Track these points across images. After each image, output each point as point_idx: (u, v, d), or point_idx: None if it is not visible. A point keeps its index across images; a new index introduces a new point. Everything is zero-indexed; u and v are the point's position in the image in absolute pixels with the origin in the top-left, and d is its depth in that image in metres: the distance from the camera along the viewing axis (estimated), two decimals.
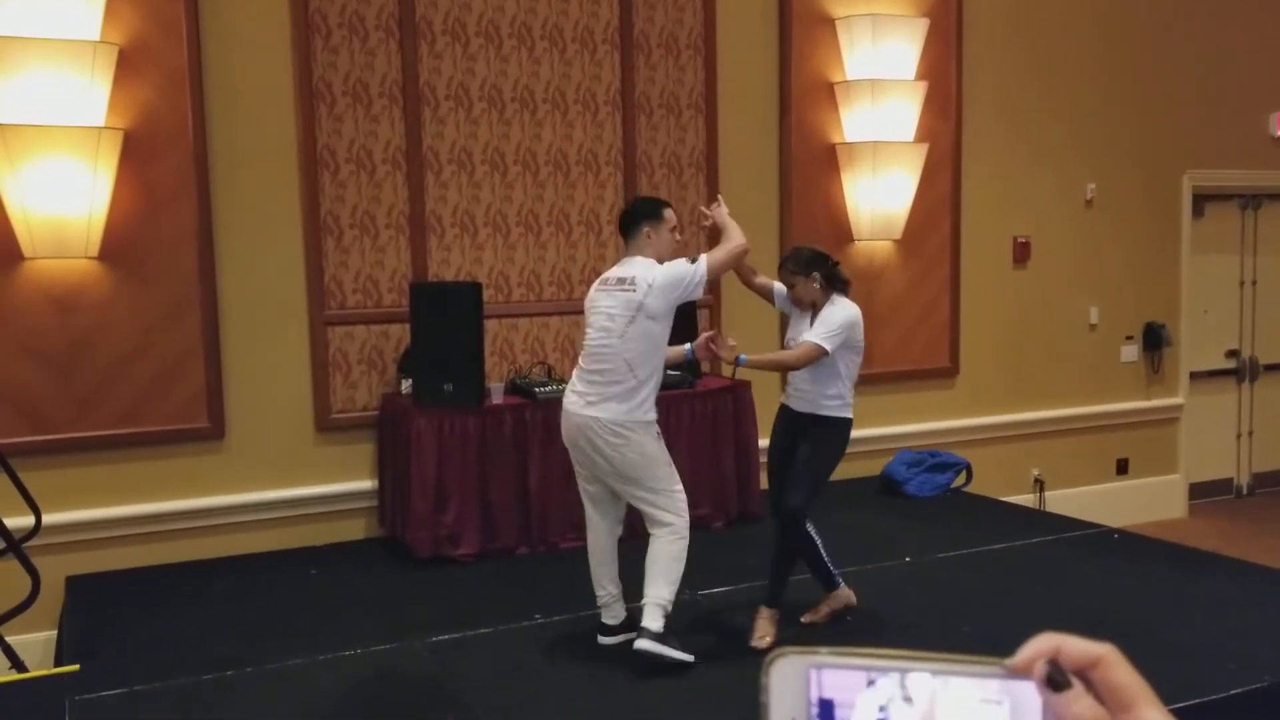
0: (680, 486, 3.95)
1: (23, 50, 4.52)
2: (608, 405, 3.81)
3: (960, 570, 4.93)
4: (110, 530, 4.90)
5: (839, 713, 0.56)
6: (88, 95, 4.64)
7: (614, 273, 3.94)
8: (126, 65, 4.80)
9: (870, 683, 0.56)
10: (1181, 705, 3.40)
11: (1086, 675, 0.55)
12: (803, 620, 4.21)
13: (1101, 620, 4.29)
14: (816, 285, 4.09)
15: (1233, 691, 3.60)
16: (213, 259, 5.02)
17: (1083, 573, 4.95)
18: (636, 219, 3.97)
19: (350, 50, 5.21)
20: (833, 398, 4.09)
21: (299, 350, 5.22)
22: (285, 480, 5.20)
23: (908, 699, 0.56)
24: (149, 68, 4.86)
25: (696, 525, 5.43)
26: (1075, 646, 0.56)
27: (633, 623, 3.92)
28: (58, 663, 4.32)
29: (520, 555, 5.12)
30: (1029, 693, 0.55)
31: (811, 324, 4.07)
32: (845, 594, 4.26)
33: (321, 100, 5.18)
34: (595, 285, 4.00)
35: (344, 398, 5.31)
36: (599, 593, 4.05)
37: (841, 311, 4.06)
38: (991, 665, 0.56)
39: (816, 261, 4.12)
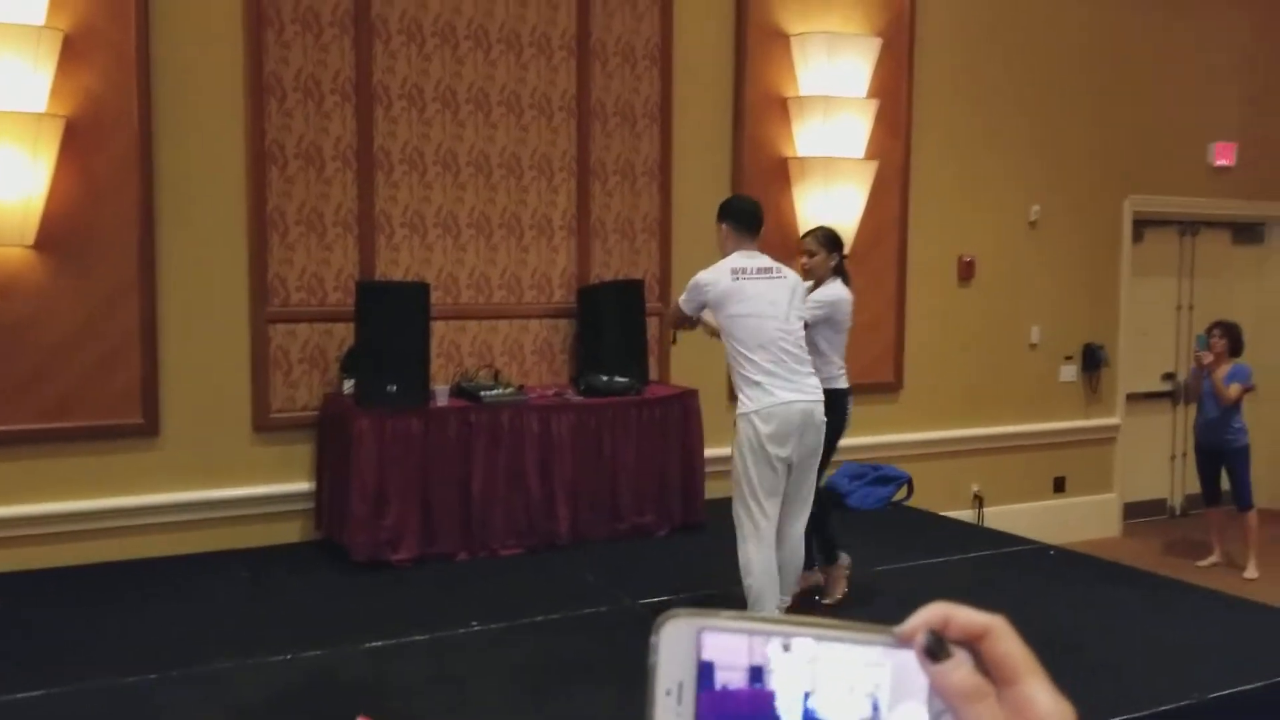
0: None
1: None
2: (815, 381, 4.10)
3: (898, 584, 4.96)
4: (36, 528, 4.77)
5: (718, 675, 0.55)
6: (29, 81, 4.53)
7: (751, 263, 4.10)
8: (72, 51, 4.69)
9: (752, 647, 0.56)
10: None
11: (975, 647, 0.55)
12: (824, 603, 4.53)
13: (1034, 637, 4.31)
14: (832, 265, 4.53)
15: (1163, 708, 3.66)
16: (153, 251, 4.92)
17: (1018, 589, 5.01)
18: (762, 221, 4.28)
19: (303, 45, 5.14)
20: (821, 373, 4.27)
21: (239, 347, 5.13)
22: (220, 480, 5.10)
23: (788, 661, 0.55)
24: (95, 54, 4.75)
25: (639, 533, 5.47)
26: (964, 616, 0.56)
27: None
28: None
29: (460, 561, 5.07)
30: (914, 660, 0.55)
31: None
32: (840, 568, 4.61)
33: (272, 94, 5.10)
34: (732, 278, 4.06)
35: (284, 396, 5.23)
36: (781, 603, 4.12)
37: (828, 291, 4.46)
38: (879, 633, 0.56)
39: (838, 245, 4.59)
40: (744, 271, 4.07)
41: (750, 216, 4.22)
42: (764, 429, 3.96)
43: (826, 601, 4.57)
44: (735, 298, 4.04)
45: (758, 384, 3.99)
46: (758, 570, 4.00)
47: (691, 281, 4.21)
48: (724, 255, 4.18)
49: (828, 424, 4.18)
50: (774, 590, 4.02)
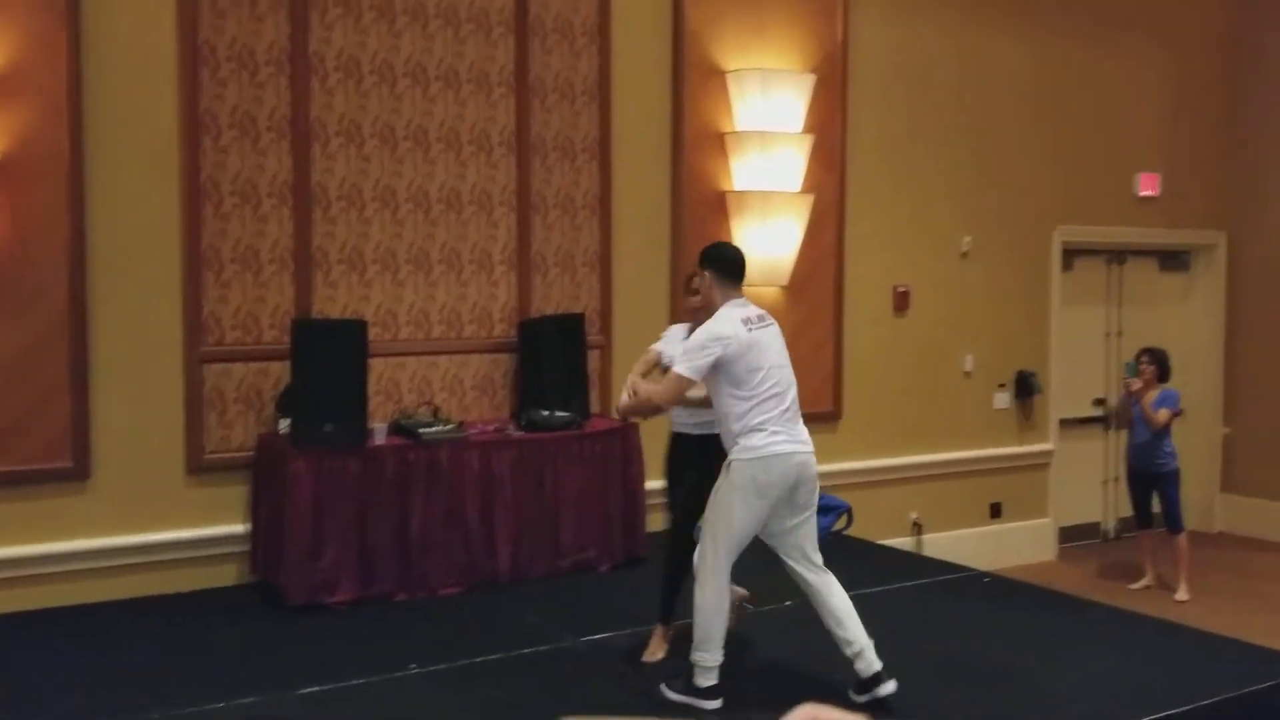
0: None
1: None
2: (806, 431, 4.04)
3: None
4: None
5: None
6: None
7: (749, 312, 4.01)
8: (1, 90, 4.61)
9: None
10: None
11: None
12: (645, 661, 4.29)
13: (969, 663, 4.41)
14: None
15: None
16: (85, 291, 4.84)
17: (954, 617, 5.08)
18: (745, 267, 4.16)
19: (239, 83, 5.10)
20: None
21: (172, 387, 5.05)
22: (153, 523, 5.01)
23: None
24: (25, 94, 4.68)
25: (582, 568, 5.46)
26: (831, 717, 0.58)
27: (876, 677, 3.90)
28: None
29: (399, 601, 5.02)
30: None
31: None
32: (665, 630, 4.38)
33: (207, 132, 5.05)
34: (741, 329, 3.91)
35: (218, 437, 5.15)
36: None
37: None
38: None
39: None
40: (749, 321, 3.96)
41: (735, 264, 4.11)
42: (763, 477, 3.87)
43: (646, 659, 4.31)
44: (754, 349, 3.91)
45: (763, 431, 3.88)
46: (710, 610, 3.92)
47: (698, 340, 3.92)
48: (711, 304, 4.07)
49: (706, 473, 4.10)
50: (721, 632, 3.93)
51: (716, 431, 4.08)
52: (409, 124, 5.50)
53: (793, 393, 4.01)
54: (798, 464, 3.93)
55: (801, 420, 4.03)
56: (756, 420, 3.88)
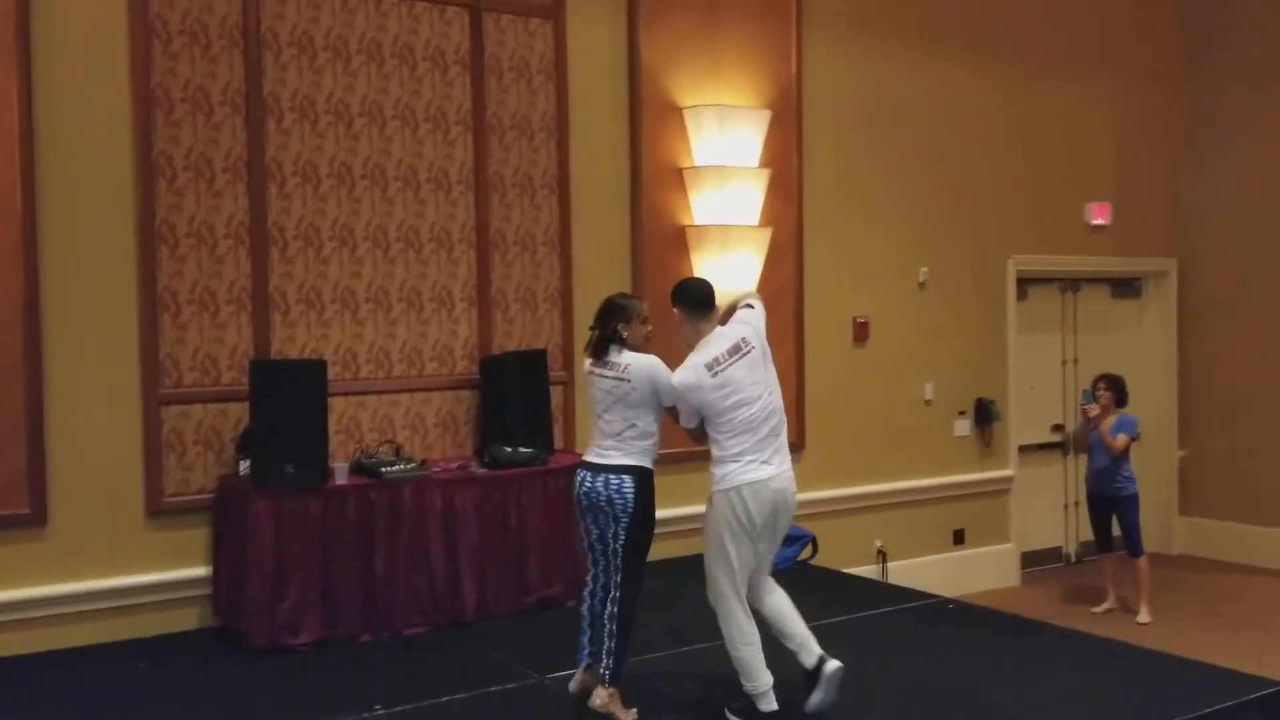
0: None
1: None
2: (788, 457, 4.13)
3: None
4: None
5: None
6: None
7: (719, 349, 4.03)
8: None
9: None
10: None
11: None
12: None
13: (934, 690, 4.43)
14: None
15: None
16: (39, 334, 4.80)
17: (919, 643, 5.11)
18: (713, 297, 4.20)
19: (194, 124, 5.10)
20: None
21: (130, 430, 5.01)
22: (112, 568, 4.94)
23: None
24: None
25: (546, 604, 5.44)
26: None
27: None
28: None
29: (363, 642, 4.97)
30: None
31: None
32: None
33: (161, 174, 5.04)
34: (708, 372, 3.98)
35: (178, 480, 5.10)
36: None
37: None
38: None
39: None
40: (717, 361, 4.01)
41: (700, 298, 4.15)
42: (739, 506, 3.95)
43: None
44: (721, 389, 3.98)
45: (737, 461, 3.98)
46: (734, 642, 4.02)
47: (675, 392, 4.05)
48: (685, 340, 4.14)
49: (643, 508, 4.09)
50: (752, 660, 3.99)
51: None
52: (366, 163, 5.52)
53: (773, 420, 4.07)
54: (773, 490, 4.00)
55: (783, 445, 4.09)
56: (730, 451, 4.00)
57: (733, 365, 4.02)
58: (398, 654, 4.84)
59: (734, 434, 4.00)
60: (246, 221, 5.23)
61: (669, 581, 5.33)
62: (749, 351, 4.08)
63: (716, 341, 4.09)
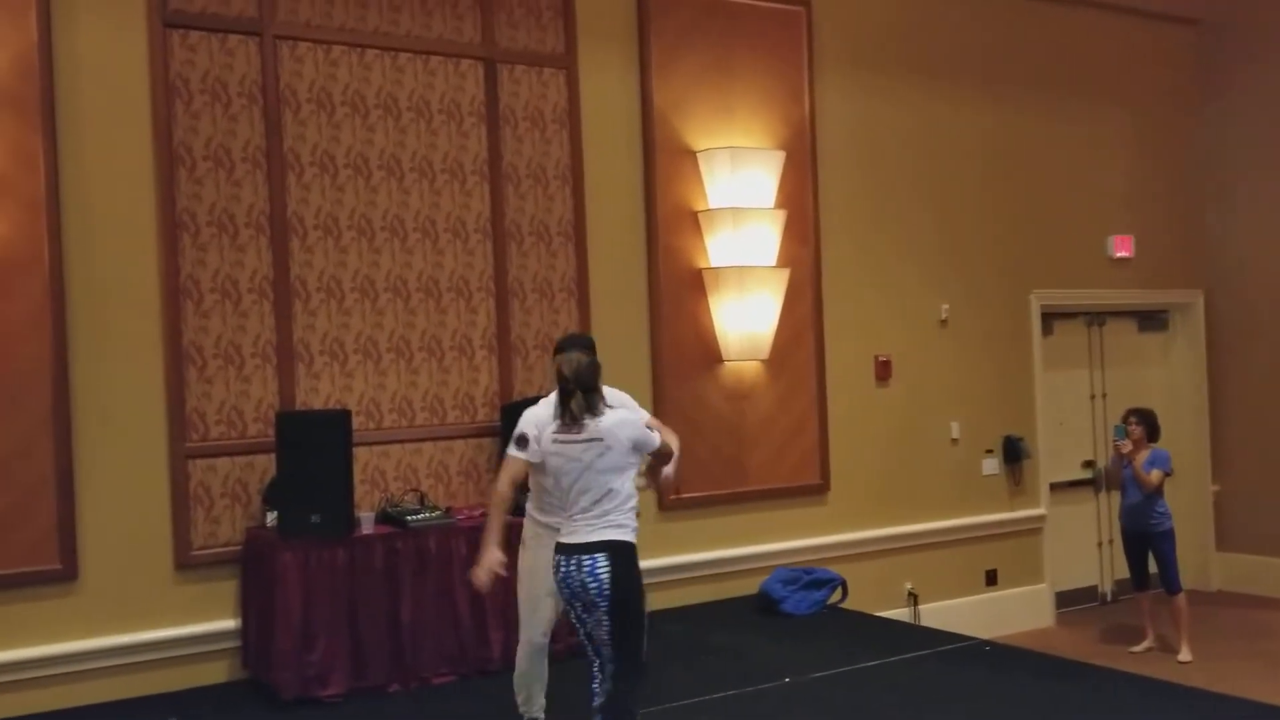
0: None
1: None
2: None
3: (838, 689, 4.93)
4: None
5: None
6: None
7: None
8: None
9: None
10: None
11: None
12: None
13: None
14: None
15: None
16: (68, 392, 4.86)
17: (956, 687, 5.00)
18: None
19: (216, 181, 5.20)
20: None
21: (158, 484, 5.05)
22: (142, 622, 4.96)
23: None
24: (5, 199, 4.76)
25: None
26: None
27: None
28: None
29: (392, 693, 4.94)
30: None
31: None
32: None
33: (185, 230, 5.13)
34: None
35: (205, 533, 5.13)
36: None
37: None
38: None
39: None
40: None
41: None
42: None
43: None
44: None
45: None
46: None
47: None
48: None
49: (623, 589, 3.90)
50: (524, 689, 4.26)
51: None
52: (385, 215, 5.59)
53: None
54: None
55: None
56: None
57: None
58: (426, 703, 4.80)
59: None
60: (270, 275, 5.30)
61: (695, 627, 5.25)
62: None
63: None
